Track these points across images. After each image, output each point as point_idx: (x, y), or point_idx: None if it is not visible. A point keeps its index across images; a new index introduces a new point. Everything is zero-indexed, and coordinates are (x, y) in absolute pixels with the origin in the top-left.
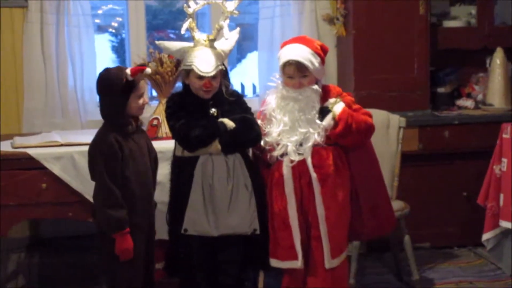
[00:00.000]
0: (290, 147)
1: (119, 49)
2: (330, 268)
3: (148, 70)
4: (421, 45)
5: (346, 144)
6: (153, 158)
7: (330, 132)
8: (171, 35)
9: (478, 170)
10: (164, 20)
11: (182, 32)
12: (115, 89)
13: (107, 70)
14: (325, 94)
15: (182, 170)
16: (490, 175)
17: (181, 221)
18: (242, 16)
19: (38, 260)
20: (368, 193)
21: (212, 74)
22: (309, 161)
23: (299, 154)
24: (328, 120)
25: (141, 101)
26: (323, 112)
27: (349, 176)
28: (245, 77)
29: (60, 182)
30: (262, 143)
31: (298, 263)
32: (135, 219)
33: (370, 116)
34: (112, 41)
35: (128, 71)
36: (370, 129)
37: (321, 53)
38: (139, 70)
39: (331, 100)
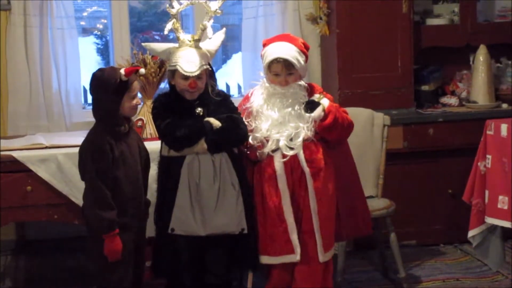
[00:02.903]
0: (283, 142)
1: (104, 51)
2: (322, 262)
3: (142, 70)
4: (405, 43)
5: (331, 139)
6: (144, 158)
7: (319, 125)
8: (156, 37)
9: (463, 167)
10: (149, 22)
11: (166, 32)
12: (109, 88)
13: (100, 70)
14: (309, 91)
15: (169, 169)
16: (475, 172)
17: (168, 221)
18: (226, 17)
19: (24, 262)
20: (346, 194)
21: (196, 74)
22: (301, 155)
23: (290, 149)
24: (318, 111)
25: (134, 101)
26: (312, 104)
27: (334, 171)
28: (230, 77)
29: (45, 185)
30: (250, 139)
31: (296, 257)
32: (125, 220)
33: (348, 114)
34: (97, 43)
35: (122, 71)
36: (351, 126)
37: (306, 51)
38: (133, 70)
39: (316, 95)
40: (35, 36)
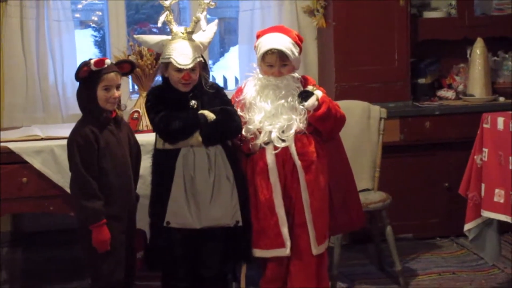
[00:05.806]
0: (274, 134)
1: (101, 43)
2: (316, 254)
3: (108, 61)
4: (402, 36)
5: (324, 130)
6: (134, 150)
7: (312, 114)
8: (153, 29)
9: (459, 161)
10: (146, 15)
11: (159, 25)
12: (78, 77)
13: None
14: (303, 83)
15: (164, 162)
16: (471, 165)
17: (163, 214)
18: (224, 10)
19: (20, 254)
20: (340, 188)
21: (190, 66)
22: (293, 148)
23: (282, 141)
24: (312, 100)
25: (109, 94)
26: (306, 94)
27: (327, 164)
28: (227, 70)
29: (41, 176)
30: (243, 131)
31: (286, 251)
32: (113, 210)
33: (340, 107)
34: (95, 36)
35: (92, 61)
36: (343, 118)
37: (300, 43)
38: (100, 60)
39: (309, 87)
40: (31, 27)
